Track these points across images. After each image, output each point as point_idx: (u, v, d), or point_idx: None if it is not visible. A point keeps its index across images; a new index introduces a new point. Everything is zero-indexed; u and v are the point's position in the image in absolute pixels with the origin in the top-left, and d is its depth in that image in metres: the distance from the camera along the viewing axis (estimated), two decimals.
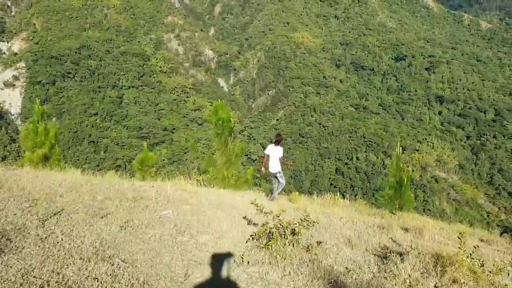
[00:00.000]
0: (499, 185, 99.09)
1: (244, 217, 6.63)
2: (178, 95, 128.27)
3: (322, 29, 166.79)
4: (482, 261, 4.94)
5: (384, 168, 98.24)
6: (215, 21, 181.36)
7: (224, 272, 4.36)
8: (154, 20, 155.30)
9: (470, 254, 4.84)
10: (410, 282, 4.49)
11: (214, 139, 10.95)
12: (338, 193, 11.82)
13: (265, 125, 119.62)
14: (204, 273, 4.29)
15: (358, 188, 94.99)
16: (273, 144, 10.47)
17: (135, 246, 4.61)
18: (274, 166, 10.29)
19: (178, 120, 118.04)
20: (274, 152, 10.33)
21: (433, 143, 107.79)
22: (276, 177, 10.45)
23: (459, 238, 4.87)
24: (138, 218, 5.61)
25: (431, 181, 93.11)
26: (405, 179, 10.04)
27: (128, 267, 4.03)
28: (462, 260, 4.59)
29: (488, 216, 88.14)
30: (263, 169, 10.50)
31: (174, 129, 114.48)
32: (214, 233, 5.58)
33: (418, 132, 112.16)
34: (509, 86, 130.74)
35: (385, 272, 4.73)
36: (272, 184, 10.73)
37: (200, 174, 11.63)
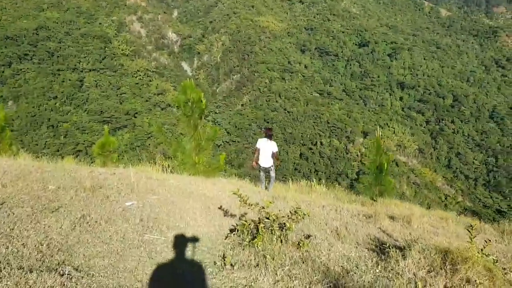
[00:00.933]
0: (457, 168, 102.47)
1: (220, 208, 5.85)
2: (140, 79, 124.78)
3: (287, 13, 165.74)
4: (496, 257, 4.38)
5: (347, 153, 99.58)
6: (178, 3, 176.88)
7: (203, 279, 3.56)
8: (116, 2, 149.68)
9: (481, 249, 4.26)
10: (416, 283, 3.87)
11: (183, 122, 9.78)
12: (304, 178, 11.53)
13: (230, 111, 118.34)
14: (178, 280, 3.48)
15: (322, 172, 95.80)
16: (265, 138, 10.17)
17: (92, 249, 3.71)
18: (267, 160, 10.02)
19: (141, 104, 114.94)
20: (267, 147, 10.05)
21: (394, 128, 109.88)
22: (268, 171, 10.14)
23: (469, 231, 4.27)
24: (96, 211, 4.70)
25: (392, 165, 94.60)
26: (385, 164, 9.65)
27: (82, 277, 3.15)
28: (476, 256, 4.00)
29: (446, 198, 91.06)
30: (254, 163, 10.17)
31: (136, 113, 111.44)
32: (187, 228, 4.77)
33: (380, 117, 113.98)
34: (466, 73, 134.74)
35: (387, 271, 4.10)
36: (259, 179, 10.37)
37: (166, 160, 10.81)
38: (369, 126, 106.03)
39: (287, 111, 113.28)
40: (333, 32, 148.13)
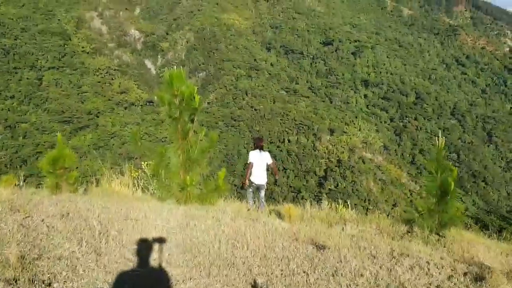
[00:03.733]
0: (420, 164, 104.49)
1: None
2: (102, 77, 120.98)
3: (252, 11, 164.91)
4: None
5: (315, 150, 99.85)
6: (141, 0, 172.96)
7: None
8: None
9: None
10: None
11: (168, 126, 7.03)
12: (339, 201, 8.64)
13: (202, 107, 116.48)
14: None
15: (290, 170, 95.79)
16: (257, 150, 8.78)
17: None
18: (261, 176, 8.65)
19: (103, 104, 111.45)
20: (261, 160, 8.68)
21: (359, 125, 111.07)
22: (260, 189, 8.74)
23: None
24: None
25: (358, 162, 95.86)
26: (451, 183, 6.40)
27: None
28: None
29: (411, 194, 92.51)
30: (247, 181, 8.67)
31: (99, 112, 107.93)
32: None
33: (346, 114, 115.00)
34: (428, 71, 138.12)
35: None
36: (248, 197, 8.82)
37: (138, 170, 8.79)
38: (335, 124, 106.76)
39: (254, 109, 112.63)
40: (298, 30, 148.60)
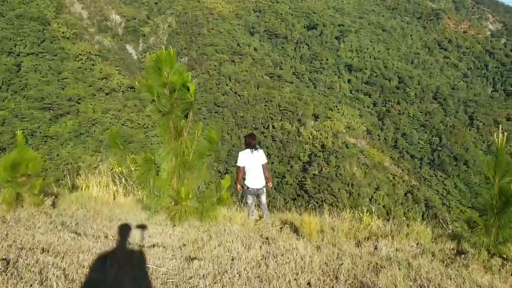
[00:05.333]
0: (403, 148, 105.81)
1: None
2: (83, 63, 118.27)
3: None
4: None
5: (299, 136, 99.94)
6: None
7: None
8: None
9: None
10: None
11: (158, 123, 5.60)
12: (363, 209, 7.28)
13: (196, 100, 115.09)
14: None
15: (275, 156, 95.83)
16: (248, 150, 7.54)
17: None
18: (258, 179, 7.43)
19: (84, 90, 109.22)
20: (254, 160, 7.44)
21: (343, 110, 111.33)
22: (259, 195, 7.52)
23: None
24: None
25: (342, 147, 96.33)
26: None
27: None
28: None
29: (394, 178, 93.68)
30: (238, 186, 7.58)
31: (80, 99, 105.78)
32: None
33: (330, 100, 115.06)
34: (411, 55, 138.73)
35: None
36: (248, 206, 7.61)
37: (120, 166, 7.36)
38: (320, 109, 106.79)
39: (238, 95, 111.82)
40: (281, 14, 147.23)
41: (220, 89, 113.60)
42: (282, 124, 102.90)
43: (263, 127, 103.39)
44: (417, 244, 5.29)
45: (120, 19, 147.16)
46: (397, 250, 4.83)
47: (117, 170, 7.61)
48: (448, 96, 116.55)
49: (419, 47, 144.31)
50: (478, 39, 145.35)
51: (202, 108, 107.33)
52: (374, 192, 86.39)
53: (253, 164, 7.45)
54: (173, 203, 5.54)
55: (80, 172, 8.02)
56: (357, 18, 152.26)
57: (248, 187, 7.49)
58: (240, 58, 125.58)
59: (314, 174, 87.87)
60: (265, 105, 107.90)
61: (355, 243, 5.19)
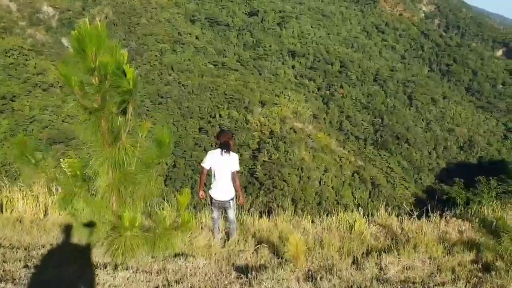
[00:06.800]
0: (348, 130, 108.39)
1: None
2: (15, 58, 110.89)
3: None
4: None
5: (247, 124, 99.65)
6: None
7: None
8: None
9: None
10: None
11: (83, 125, 3.54)
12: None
13: (137, 87, 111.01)
14: None
15: None
16: (219, 151, 6.08)
17: None
18: (225, 189, 6.04)
19: (18, 86, 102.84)
20: (224, 165, 6.01)
21: (289, 96, 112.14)
22: (225, 208, 6.15)
23: None
24: None
25: (290, 132, 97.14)
26: None
27: None
28: None
29: (340, 159, 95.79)
30: (201, 192, 6.17)
31: (14, 96, 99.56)
32: None
33: (275, 86, 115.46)
34: (351, 39, 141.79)
35: None
36: (213, 221, 6.32)
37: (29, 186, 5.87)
38: (266, 96, 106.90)
39: (182, 85, 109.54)
40: (221, 1, 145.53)
41: (163, 80, 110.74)
42: (229, 112, 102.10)
43: (210, 116, 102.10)
44: (429, 258, 4.47)
45: (53, 11, 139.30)
46: (407, 268, 3.94)
47: (51, 176, 6.06)
48: (387, 78, 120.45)
49: (358, 31, 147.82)
50: (413, 21, 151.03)
51: (145, 100, 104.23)
52: (323, 175, 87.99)
53: (221, 169, 5.99)
54: (114, 231, 3.85)
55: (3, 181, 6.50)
56: (297, 3, 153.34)
57: (212, 198, 6.10)
58: (182, 47, 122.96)
59: (264, 160, 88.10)
60: (211, 94, 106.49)
61: (353, 262, 4.32)
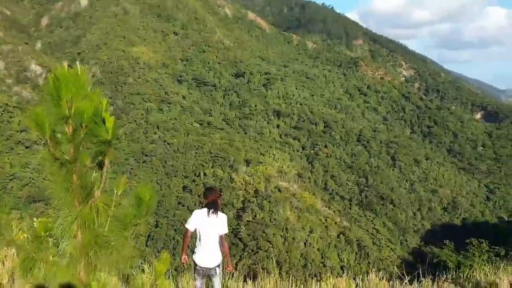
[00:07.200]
0: (333, 190, 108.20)
1: None
2: (0, 115, 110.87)
3: (161, 44, 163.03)
4: None
5: (231, 182, 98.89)
6: (42, 34, 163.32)
7: None
8: None
9: None
10: None
11: (53, 178, 3.00)
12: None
13: (118, 138, 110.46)
14: None
15: None
16: (206, 209, 5.42)
17: None
18: (211, 254, 5.33)
19: (1, 144, 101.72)
20: (210, 226, 5.33)
21: (274, 154, 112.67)
22: (210, 276, 5.39)
23: None
24: None
25: (274, 191, 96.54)
26: None
27: None
28: None
29: (326, 220, 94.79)
30: (184, 256, 5.42)
31: None
32: None
33: (261, 145, 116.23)
34: (334, 101, 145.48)
35: None
36: None
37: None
38: (251, 154, 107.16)
39: (167, 143, 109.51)
40: (209, 63, 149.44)
41: (148, 138, 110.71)
42: (214, 171, 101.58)
43: (194, 174, 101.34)
44: None
45: (41, 70, 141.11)
46: None
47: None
48: (370, 138, 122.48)
49: (341, 93, 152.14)
50: (394, 84, 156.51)
51: (129, 159, 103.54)
52: (308, 235, 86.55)
53: (207, 231, 5.31)
54: None
55: None
56: (282, 66, 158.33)
57: (196, 264, 5.35)
58: (168, 106, 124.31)
59: (248, 220, 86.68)
60: (196, 153, 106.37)
61: None
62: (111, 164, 3.14)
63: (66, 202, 3.04)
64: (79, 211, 3.04)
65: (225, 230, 5.49)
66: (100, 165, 3.16)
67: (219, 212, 5.44)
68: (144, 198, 3.31)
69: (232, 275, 6.93)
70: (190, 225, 5.33)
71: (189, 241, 5.46)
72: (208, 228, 5.29)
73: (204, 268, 5.28)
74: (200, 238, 5.32)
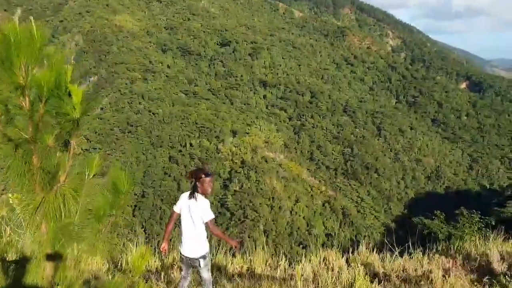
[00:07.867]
0: (318, 160, 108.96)
1: None
2: None
3: (145, 12, 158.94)
4: None
5: (218, 153, 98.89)
6: (21, 1, 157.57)
7: None
8: None
9: None
10: None
11: (6, 161, 2.26)
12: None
13: (88, 115, 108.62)
14: None
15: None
16: (188, 194, 4.84)
17: None
18: (192, 243, 4.80)
19: None
20: (193, 210, 4.74)
21: (260, 125, 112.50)
22: (195, 265, 4.86)
23: None
24: None
25: (261, 162, 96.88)
26: None
27: None
28: None
29: (311, 189, 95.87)
30: (164, 245, 5.01)
31: None
32: None
33: (247, 116, 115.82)
34: (321, 71, 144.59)
35: None
36: (181, 281, 5.10)
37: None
38: (237, 125, 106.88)
39: (152, 113, 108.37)
40: (193, 31, 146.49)
41: (132, 108, 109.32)
42: (200, 141, 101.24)
43: (180, 145, 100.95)
44: None
45: None
46: None
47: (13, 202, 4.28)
48: (356, 109, 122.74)
49: (328, 63, 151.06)
50: (381, 54, 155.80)
51: (114, 129, 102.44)
52: (294, 205, 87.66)
53: (184, 216, 4.83)
54: None
55: None
56: (268, 35, 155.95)
57: (180, 253, 4.95)
58: (153, 75, 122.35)
59: (235, 190, 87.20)
60: (182, 123, 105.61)
61: None
62: (79, 142, 2.54)
63: (25, 189, 2.46)
64: (42, 199, 2.49)
65: (209, 216, 4.75)
66: (66, 144, 2.55)
67: (198, 196, 4.76)
68: (120, 183, 2.73)
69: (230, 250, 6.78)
70: (176, 207, 4.93)
71: (172, 226, 5.04)
72: (186, 213, 4.80)
73: (186, 257, 4.84)
74: (184, 224, 4.86)
